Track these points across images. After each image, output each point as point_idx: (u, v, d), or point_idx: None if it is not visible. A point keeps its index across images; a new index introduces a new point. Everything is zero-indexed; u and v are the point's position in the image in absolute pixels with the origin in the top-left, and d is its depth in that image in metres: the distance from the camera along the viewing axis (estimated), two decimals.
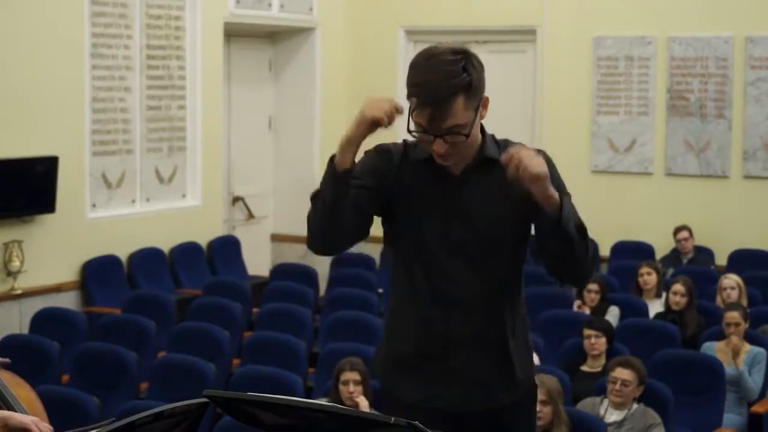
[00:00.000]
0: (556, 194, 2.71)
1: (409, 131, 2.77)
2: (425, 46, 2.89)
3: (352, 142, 2.74)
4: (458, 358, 2.89)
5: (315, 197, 2.81)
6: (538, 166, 2.66)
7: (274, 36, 10.44)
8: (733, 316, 6.48)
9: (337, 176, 2.74)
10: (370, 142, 2.86)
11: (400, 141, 2.95)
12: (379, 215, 2.91)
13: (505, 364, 2.93)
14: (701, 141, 9.35)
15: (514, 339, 2.94)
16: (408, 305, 2.94)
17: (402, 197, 2.88)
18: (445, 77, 2.69)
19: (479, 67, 2.77)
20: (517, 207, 2.83)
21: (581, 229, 2.78)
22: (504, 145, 2.88)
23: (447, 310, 2.88)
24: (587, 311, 7.28)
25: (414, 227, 2.88)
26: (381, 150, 2.91)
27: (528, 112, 9.98)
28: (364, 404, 5.28)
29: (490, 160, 2.86)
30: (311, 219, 2.84)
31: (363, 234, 2.89)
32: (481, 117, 2.81)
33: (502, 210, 2.86)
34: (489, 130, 2.93)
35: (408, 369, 2.94)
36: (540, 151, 2.80)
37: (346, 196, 2.75)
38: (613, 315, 7.25)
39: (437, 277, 2.88)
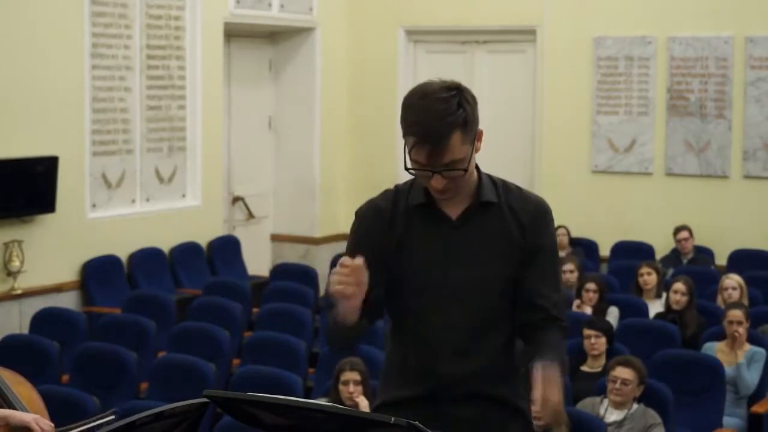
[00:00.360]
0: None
1: (407, 169, 2.77)
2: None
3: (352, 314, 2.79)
4: (453, 403, 2.86)
5: (330, 331, 2.94)
6: (552, 419, 2.70)
7: (274, 36, 10.44)
8: (736, 314, 6.47)
9: (348, 328, 2.83)
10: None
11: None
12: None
13: (501, 407, 2.90)
14: (701, 141, 9.35)
15: (512, 382, 2.92)
16: (403, 350, 2.93)
17: (397, 239, 2.86)
18: (441, 115, 2.69)
19: (473, 102, 2.77)
20: (514, 252, 2.83)
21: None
22: (502, 186, 2.88)
23: (442, 353, 2.85)
24: (587, 311, 7.28)
25: (410, 271, 2.86)
26: (374, 215, 2.89)
27: (528, 112, 9.97)
28: (364, 404, 5.28)
29: (487, 203, 2.86)
30: (330, 338, 3.08)
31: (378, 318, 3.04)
32: (477, 150, 2.82)
33: (499, 254, 2.84)
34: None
35: (402, 413, 2.91)
36: (545, 211, 2.87)
37: (359, 327, 2.86)
38: (612, 316, 7.24)
39: (434, 320, 2.85)
